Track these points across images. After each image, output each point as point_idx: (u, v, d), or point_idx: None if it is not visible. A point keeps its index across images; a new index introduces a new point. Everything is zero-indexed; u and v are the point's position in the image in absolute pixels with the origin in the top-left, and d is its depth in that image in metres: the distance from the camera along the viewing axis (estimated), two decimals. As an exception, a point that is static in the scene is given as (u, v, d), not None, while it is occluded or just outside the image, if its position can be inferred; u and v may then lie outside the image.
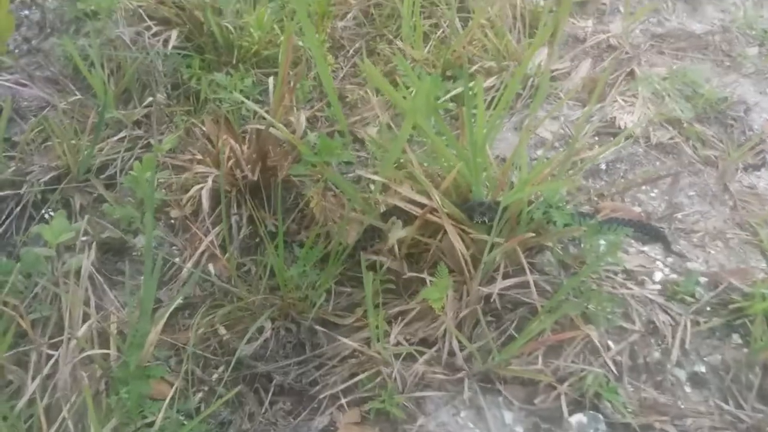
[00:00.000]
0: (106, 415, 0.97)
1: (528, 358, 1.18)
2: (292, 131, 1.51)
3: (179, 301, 1.28)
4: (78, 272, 1.17)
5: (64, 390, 0.97)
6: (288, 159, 1.46)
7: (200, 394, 1.16)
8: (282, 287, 1.25)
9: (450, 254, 1.23)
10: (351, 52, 2.05)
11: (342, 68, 2.00)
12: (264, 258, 1.36)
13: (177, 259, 1.40)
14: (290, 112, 1.63)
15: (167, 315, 1.11)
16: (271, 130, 1.43)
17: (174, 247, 1.44)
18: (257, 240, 1.44)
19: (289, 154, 1.48)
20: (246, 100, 1.53)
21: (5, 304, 1.06)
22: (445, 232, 1.23)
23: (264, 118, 1.49)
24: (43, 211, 1.48)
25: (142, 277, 1.34)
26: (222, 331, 1.26)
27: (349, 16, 2.13)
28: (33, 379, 0.99)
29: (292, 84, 1.62)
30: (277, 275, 1.25)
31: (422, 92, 1.19)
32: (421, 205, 1.24)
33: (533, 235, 1.20)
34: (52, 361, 1.01)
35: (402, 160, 1.30)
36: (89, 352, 1.02)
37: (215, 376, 1.20)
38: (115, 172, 1.59)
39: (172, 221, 1.50)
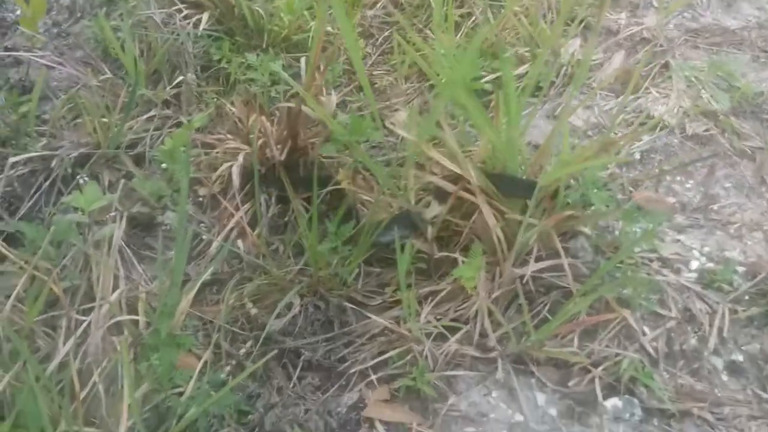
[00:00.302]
0: (136, 381, 0.96)
1: (562, 341, 1.16)
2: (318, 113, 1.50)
3: (208, 276, 1.27)
4: (109, 242, 1.17)
5: (95, 355, 0.96)
6: (318, 139, 1.46)
7: (228, 368, 1.15)
8: (313, 264, 1.24)
9: (484, 234, 1.21)
10: (380, 40, 2.04)
11: (371, 55, 2.00)
12: (293, 237, 1.36)
13: (205, 236, 1.39)
14: (320, 94, 1.63)
15: (197, 286, 1.10)
16: (303, 108, 1.42)
17: (202, 224, 1.44)
18: (285, 220, 1.44)
19: (319, 135, 1.47)
20: (282, 72, 1.52)
21: (35, 269, 1.06)
22: (479, 213, 1.22)
23: (297, 95, 1.49)
24: (71, 186, 1.48)
25: (171, 251, 1.34)
26: (250, 306, 1.25)
27: (378, 5, 2.12)
28: (64, 344, 0.98)
29: (322, 67, 1.61)
30: (308, 251, 1.24)
31: (459, 67, 1.17)
32: (455, 181, 1.22)
33: (572, 213, 1.17)
34: (83, 327, 1.00)
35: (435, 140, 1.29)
36: (120, 318, 1.02)
37: (243, 350, 1.18)
38: (144, 150, 1.59)
39: (200, 199, 1.49)
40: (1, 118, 1.57)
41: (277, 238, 1.40)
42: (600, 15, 1.56)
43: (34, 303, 1.00)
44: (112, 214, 1.38)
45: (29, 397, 0.85)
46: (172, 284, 1.05)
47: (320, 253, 1.24)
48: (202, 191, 1.51)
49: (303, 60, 1.66)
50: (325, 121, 1.33)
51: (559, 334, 1.16)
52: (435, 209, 1.24)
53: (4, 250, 1.09)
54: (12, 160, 1.36)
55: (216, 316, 1.20)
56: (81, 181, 1.37)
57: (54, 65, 1.80)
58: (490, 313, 1.16)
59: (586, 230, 1.30)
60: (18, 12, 2.06)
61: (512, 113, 1.18)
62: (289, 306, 1.23)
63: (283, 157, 1.42)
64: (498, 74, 1.71)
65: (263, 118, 1.46)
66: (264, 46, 1.88)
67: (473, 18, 1.95)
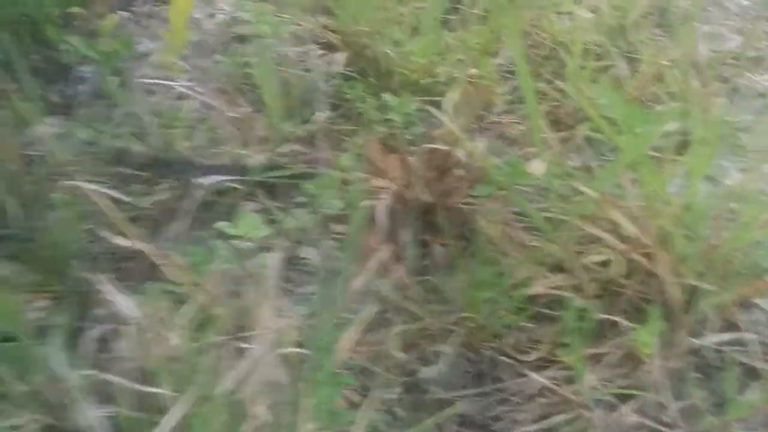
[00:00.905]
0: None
1: (748, 423, 1.05)
2: (468, 155, 1.46)
3: (350, 315, 1.22)
4: (263, 271, 1.14)
5: (260, 385, 0.92)
6: (465, 183, 1.42)
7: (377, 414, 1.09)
8: (466, 312, 1.18)
9: (657, 298, 1.13)
10: (507, 89, 2.01)
11: (497, 104, 1.96)
12: (436, 281, 1.31)
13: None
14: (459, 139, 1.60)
15: (359, 325, 1.05)
16: (450, 150, 1.39)
17: (340, 262, 1.40)
18: (425, 263, 1.39)
19: (465, 179, 1.43)
20: (440, 115, 1.49)
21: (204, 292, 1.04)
22: (649, 275, 1.14)
23: (440, 138, 1.46)
24: (210, 215, 1.48)
25: (312, 286, 1.32)
26: (396, 350, 1.20)
27: (503, 53, 2.10)
28: (228, 373, 0.94)
29: (466, 111, 1.59)
30: (461, 298, 1.18)
31: (640, 123, 1.12)
32: (623, 238, 1.15)
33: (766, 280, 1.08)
34: (247, 356, 0.96)
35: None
36: (286, 350, 0.98)
37: (392, 396, 1.13)
38: (277, 183, 1.58)
39: (337, 236, 1.46)
40: (153, 145, 1.60)
41: (416, 281, 1.35)
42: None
43: (206, 329, 0.97)
44: (250, 245, 1.37)
45: (202, 426, 0.81)
46: (332, 321, 1.01)
47: (474, 302, 1.18)
48: (339, 228, 1.48)
49: (446, 102, 1.63)
50: (482, 163, 1.29)
51: (746, 416, 1.05)
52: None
53: (180, 278, 1.07)
54: (203, 181, 1.43)
55: (363, 356, 1.16)
56: (242, 210, 1.37)
57: (193, 94, 1.85)
58: (668, 383, 1.07)
59: (760, 302, 1.19)
60: (150, 45, 2.13)
61: (696, 175, 1.11)
62: (438, 354, 1.17)
63: (429, 199, 1.38)
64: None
65: (409, 158, 1.43)
66: (394, 88, 1.88)
67: (610, 70, 1.91)
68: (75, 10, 1.99)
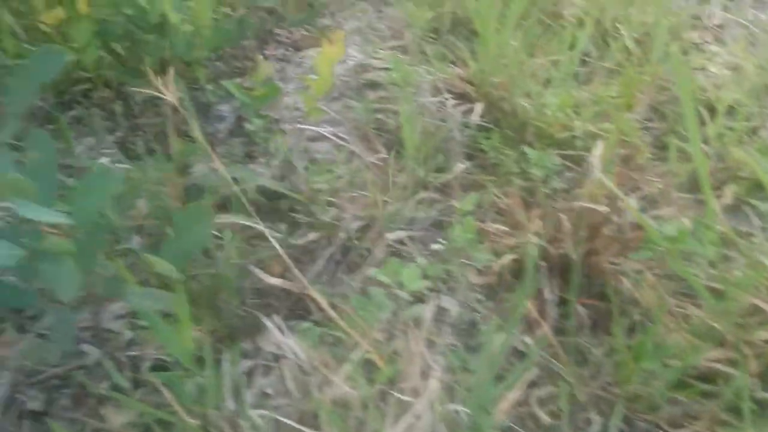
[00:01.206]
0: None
1: None
2: (617, 214, 1.43)
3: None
4: (416, 322, 1.16)
5: (424, 441, 0.93)
6: (616, 243, 1.39)
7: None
8: (620, 378, 1.14)
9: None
10: (639, 144, 1.96)
11: (636, 161, 1.92)
12: (580, 340, 1.28)
13: (483, 327, 1.35)
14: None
15: (520, 384, 1.04)
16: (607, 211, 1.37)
17: (477, 314, 1.40)
18: (566, 323, 1.36)
19: (616, 239, 1.40)
20: (593, 171, 1.48)
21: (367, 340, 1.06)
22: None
23: (583, 196, 1.45)
24: (347, 258, 1.52)
25: (450, 337, 1.32)
26: (538, 412, 1.17)
27: (637, 108, 2.06)
28: (390, 424, 0.96)
29: (612, 167, 1.57)
30: (611, 364, 1.15)
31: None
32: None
33: None
34: (408, 410, 0.97)
35: None
36: (445, 407, 0.98)
37: (538, 462, 1.10)
38: (405, 231, 1.60)
39: (475, 287, 1.46)
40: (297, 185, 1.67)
41: (559, 340, 1.33)
42: None
43: (364, 376, 0.99)
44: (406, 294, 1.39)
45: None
46: (490, 380, 1.01)
47: (628, 370, 1.14)
48: (474, 279, 1.48)
49: (593, 158, 1.61)
50: (641, 224, 1.26)
51: None
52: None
53: (339, 321, 1.10)
54: (390, 237, 1.46)
55: (509, 416, 1.14)
56: (393, 258, 1.40)
57: (332, 138, 1.92)
58: None
59: None
60: (282, 87, 2.24)
61: None
62: (587, 422, 1.14)
63: (577, 258, 1.36)
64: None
65: (559, 215, 1.42)
66: (529, 140, 1.88)
67: (758, 131, 1.83)
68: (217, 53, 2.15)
